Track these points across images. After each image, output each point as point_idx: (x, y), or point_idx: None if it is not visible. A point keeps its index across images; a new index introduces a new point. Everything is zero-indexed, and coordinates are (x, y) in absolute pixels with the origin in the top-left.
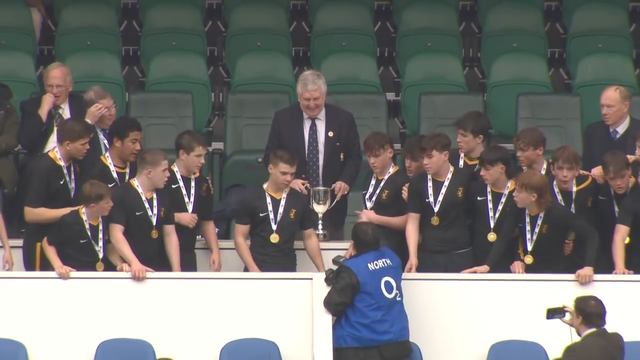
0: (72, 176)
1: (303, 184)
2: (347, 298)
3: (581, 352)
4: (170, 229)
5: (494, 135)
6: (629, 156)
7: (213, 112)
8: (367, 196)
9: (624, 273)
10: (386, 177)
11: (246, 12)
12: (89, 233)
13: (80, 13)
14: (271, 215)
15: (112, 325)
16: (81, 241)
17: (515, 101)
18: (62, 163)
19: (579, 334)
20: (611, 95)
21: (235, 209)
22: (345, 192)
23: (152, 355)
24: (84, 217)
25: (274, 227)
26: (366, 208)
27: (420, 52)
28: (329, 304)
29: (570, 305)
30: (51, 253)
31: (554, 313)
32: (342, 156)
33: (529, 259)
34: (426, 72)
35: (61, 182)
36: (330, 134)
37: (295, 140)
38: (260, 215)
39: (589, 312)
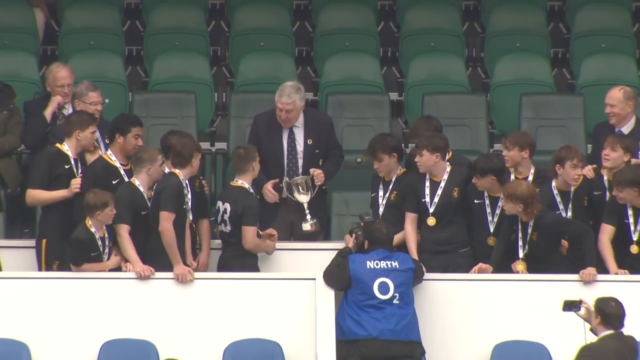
0: (79, 165)
1: (275, 184)
2: (330, 281)
3: (596, 353)
4: None
5: (497, 135)
6: (633, 160)
7: (216, 112)
8: (380, 201)
9: (617, 274)
10: (393, 178)
11: (249, 12)
12: (99, 243)
13: (84, 13)
14: None
15: (115, 325)
16: (92, 254)
17: (518, 101)
18: (69, 153)
19: (596, 334)
20: (615, 95)
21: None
22: (322, 182)
23: (155, 355)
24: (93, 230)
25: None
26: (378, 211)
27: (424, 52)
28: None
29: (587, 300)
30: (94, 268)
31: (571, 306)
32: (320, 162)
33: (521, 266)
34: (429, 72)
35: (66, 167)
36: (310, 141)
37: (274, 148)
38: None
39: (608, 312)
